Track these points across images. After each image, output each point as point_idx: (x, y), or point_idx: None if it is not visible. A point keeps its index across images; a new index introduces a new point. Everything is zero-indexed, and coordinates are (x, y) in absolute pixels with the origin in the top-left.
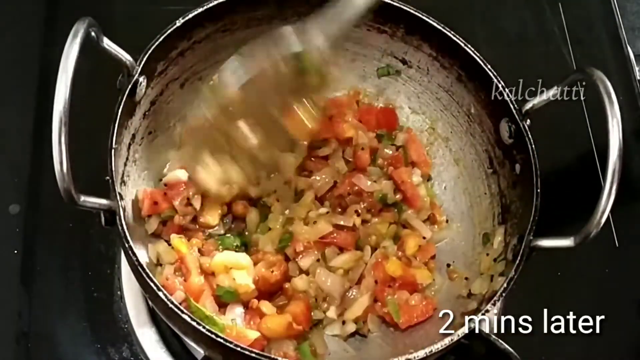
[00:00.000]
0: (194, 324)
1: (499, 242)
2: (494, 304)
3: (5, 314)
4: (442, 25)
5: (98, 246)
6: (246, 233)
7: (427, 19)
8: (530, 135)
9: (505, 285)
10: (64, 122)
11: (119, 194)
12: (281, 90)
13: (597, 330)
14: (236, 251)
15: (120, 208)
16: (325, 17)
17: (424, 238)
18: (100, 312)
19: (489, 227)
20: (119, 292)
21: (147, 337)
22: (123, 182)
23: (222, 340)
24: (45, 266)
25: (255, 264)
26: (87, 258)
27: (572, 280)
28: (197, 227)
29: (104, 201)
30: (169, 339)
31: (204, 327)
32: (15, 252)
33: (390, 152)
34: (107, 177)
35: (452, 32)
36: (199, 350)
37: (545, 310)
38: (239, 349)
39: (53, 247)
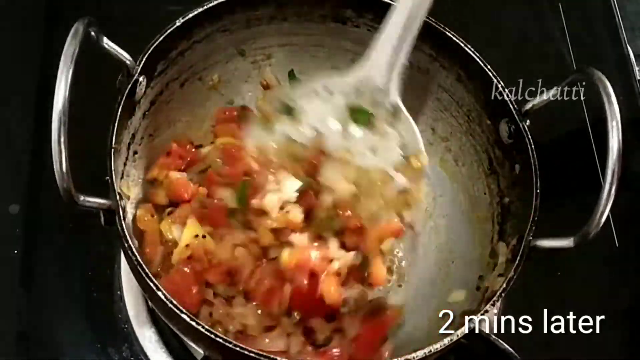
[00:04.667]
0: (194, 323)
1: (503, 261)
2: (493, 304)
3: (5, 314)
4: (442, 25)
5: (98, 246)
6: None
7: (427, 19)
8: (530, 136)
9: (504, 285)
10: (63, 122)
11: (119, 193)
12: None
13: (597, 330)
14: None
15: (120, 208)
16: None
17: None
18: (100, 312)
19: (488, 228)
20: (119, 292)
21: (147, 337)
22: (122, 182)
23: (221, 340)
24: (45, 266)
25: None
26: (87, 258)
27: (572, 280)
28: None
29: (103, 201)
30: (169, 339)
31: (203, 327)
32: (15, 252)
33: None
34: (107, 177)
35: (452, 32)
36: (199, 350)
37: (545, 310)
38: (238, 348)
39: (53, 247)
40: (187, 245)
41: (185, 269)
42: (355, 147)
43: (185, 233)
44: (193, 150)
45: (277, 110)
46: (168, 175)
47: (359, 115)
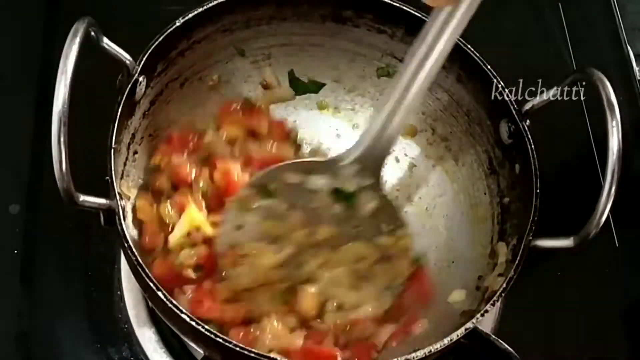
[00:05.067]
0: (194, 323)
1: (503, 261)
2: (493, 304)
3: (5, 314)
4: None
5: (98, 246)
6: None
7: (427, 19)
8: (530, 136)
9: (504, 285)
10: (63, 122)
11: (119, 193)
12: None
13: (597, 330)
14: None
15: (120, 208)
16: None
17: None
18: (100, 312)
19: (488, 228)
20: (119, 292)
21: (147, 337)
22: (122, 182)
23: (221, 340)
24: (45, 266)
25: None
26: (87, 258)
27: (572, 280)
28: None
29: (103, 201)
30: (169, 339)
31: (203, 327)
32: (15, 252)
33: None
34: (107, 177)
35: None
36: (199, 351)
37: (545, 310)
38: (238, 348)
39: (53, 247)
40: (189, 234)
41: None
42: (339, 223)
43: (184, 219)
44: (195, 137)
45: (255, 192)
46: (170, 160)
47: (343, 196)
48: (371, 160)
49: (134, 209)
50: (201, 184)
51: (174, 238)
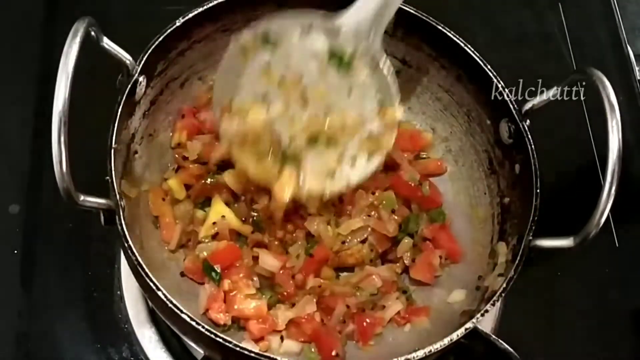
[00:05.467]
0: (193, 323)
1: (503, 261)
2: (493, 304)
3: (5, 314)
4: (442, 25)
5: (98, 246)
6: None
7: (427, 19)
8: (530, 136)
9: (504, 285)
10: (63, 122)
11: (119, 193)
12: None
13: (597, 330)
14: None
15: (120, 207)
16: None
17: None
18: (100, 312)
19: (488, 228)
20: (119, 292)
21: (147, 337)
22: (123, 181)
23: (221, 340)
24: (45, 266)
25: None
26: (87, 258)
27: (572, 280)
28: None
29: (103, 201)
30: (169, 339)
31: (203, 327)
32: (15, 252)
33: None
34: (107, 177)
35: (452, 32)
36: (199, 350)
37: (545, 310)
38: (238, 348)
39: (53, 247)
40: (214, 223)
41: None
42: (332, 88)
43: (212, 211)
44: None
45: (257, 39)
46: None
47: (339, 59)
48: (370, 23)
49: (147, 204)
50: None
51: (204, 231)
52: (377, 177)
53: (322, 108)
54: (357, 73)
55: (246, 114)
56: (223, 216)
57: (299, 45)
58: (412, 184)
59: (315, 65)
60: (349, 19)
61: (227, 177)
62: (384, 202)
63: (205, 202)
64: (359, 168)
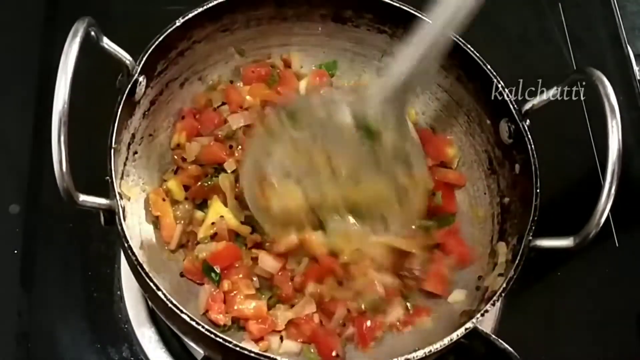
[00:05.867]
0: (193, 323)
1: (503, 261)
2: (493, 304)
3: (5, 314)
4: None
5: (98, 246)
6: None
7: (427, 19)
8: (530, 135)
9: (504, 285)
10: (63, 122)
11: (119, 193)
12: None
13: (597, 330)
14: None
15: (120, 207)
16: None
17: None
18: (100, 312)
19: (488, 228)
20: (119, 292)
21: (147, 337)
22: (123, 181)
23: (221, 340)
24: (45, 266)
25: None
26: (87, 258)
27: (572, 280)
28: None
29: (103, 200)
30: (169, 339)
31: (203, 327)
32: (15, 252)
33: None
34: (107, 177)
35: (452, 32)
36: (199, 351)
37: (545, 310)
38: (238, 348)
39: (53, 247)
40: (212, 223)
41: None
42: (363, 159)
43: (211, 212)
44: (213, 110)
45: (283, 117)
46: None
47: (366, 130)
48: (396, 97)
49: (147, 205)
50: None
51: (202, 231)
52: None
53: (354, 181)
54: (386, 142)
55: (282, 197)
56: (221, 216)
57: (326, 122)
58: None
59: (343, 139)
60: (375, 89)
61: (222, 181)
62: None
63: (203, 203)
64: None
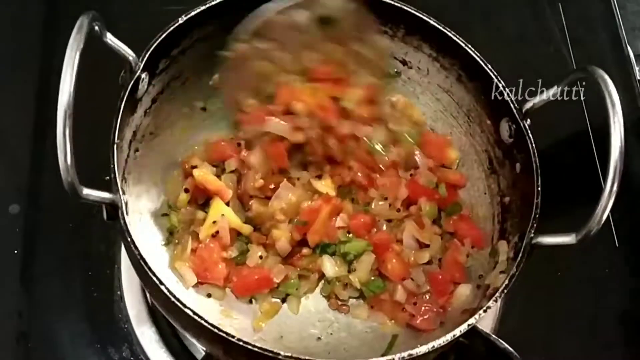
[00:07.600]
0: (196, 317)
1: (504, 259)
2: (495, 301)
3: (5, 314)
4: (442, 25)
5: (98, 246)
6: None
7: (427, 19)
8: (530, 135)
9: (506, 282)
10: (68, 115)
11: (121, 188)
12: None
13: (597, 330)
14: None
15: (123, 202)
16: None
17: None
18: (100, 312)
19: (489, 227)
20: (119, 292)
21: (147, 337)
22: (124, 178)
23: (223, 335)
24: (45, 266)
25: None
26: (87, 258)
27: (572, 280)
28: None
29: (106, 195)
30: (169, 339)
31: (206, 322)
32: (15, 252)
33: None
34: (108, 175)
35: (452, 32)
36: (199, 350)
37: (545, 310)
38: (240, 342)
39: (53, 247)
40: (214, 222)
41: (211, 245)
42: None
43: (212, 211)
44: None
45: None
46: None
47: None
48: None
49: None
50: None
51: (204, 230)
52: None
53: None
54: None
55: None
56: (223, 215)
57: (288, 24)
58: (429, 187)
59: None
60: None
61: (224, 181)
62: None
63: (205, 203)
64: None
